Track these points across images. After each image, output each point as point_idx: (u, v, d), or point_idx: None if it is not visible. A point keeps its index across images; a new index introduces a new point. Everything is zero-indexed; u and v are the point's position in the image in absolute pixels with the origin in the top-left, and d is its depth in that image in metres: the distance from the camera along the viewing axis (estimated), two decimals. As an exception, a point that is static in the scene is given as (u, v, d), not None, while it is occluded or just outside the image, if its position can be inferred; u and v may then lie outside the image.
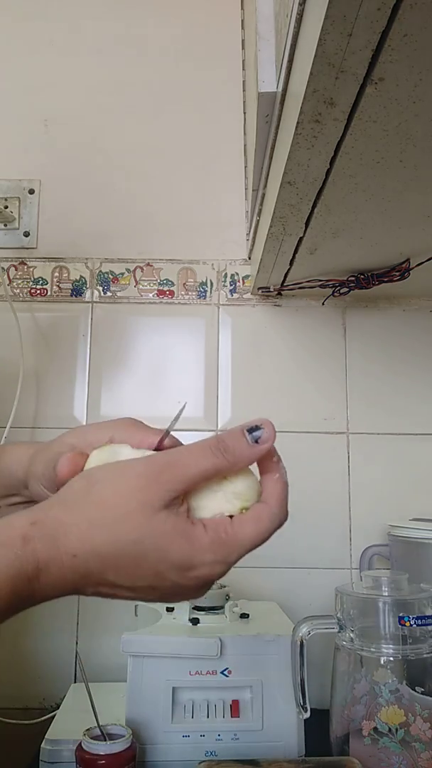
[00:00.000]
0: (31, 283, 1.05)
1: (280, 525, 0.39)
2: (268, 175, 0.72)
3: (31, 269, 1.05)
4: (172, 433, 0.44)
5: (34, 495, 0.47)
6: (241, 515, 0.38)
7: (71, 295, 1.04)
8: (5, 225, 1.06)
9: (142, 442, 0.43)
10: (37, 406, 1.01)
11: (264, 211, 0.79)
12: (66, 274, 1.05)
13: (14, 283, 1.05)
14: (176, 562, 0.36)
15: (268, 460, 0.40)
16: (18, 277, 1.05)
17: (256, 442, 0.38)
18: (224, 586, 0.82)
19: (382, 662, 0.65)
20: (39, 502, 0.44)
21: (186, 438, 1.07)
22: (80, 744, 0.63)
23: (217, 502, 0.38)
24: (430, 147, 0.53)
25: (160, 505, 0.36)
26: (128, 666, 0.70)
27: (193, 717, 0.69)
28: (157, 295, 1.04)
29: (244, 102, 1.09)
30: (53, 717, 0.76)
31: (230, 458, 0.38)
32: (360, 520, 0.98)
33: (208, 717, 0.69)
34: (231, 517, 0.38)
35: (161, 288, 1.05)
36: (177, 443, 0.44)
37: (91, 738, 0.63)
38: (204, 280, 1.05)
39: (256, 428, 0.38)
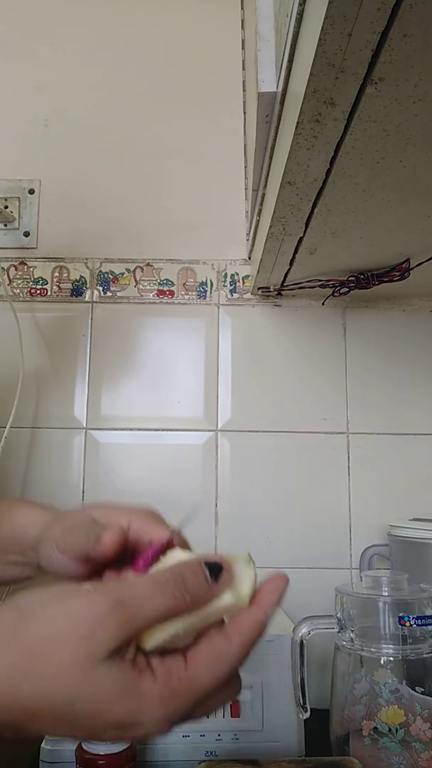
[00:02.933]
0: (31, 283, 1.05)
1: (236, 667, 0.34)
2: (268, 175, 0.72)
3: (31, 269, 1.05)
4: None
5: (42, 558, 0.47)
6: (196, 651, 0.34)
7: (71, 295, 1.04)
8: (5, 225, 1.06)
9: (156, 538, 0.43)
10: (37, 406, 1.01)
11: (264, 211, 0.79)
12: (66, 274, 1.05)
13: (14, 283, 1.05)
14: (116, 722, 0.31)
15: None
16: (18, 277, 1.05)
17: (216, 580, 0.35)
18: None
19: (382, 662, 0.65)
20: (38, 565, 0.46)
21: (187, 438, 1.07)
22: (80, 744, 0.63)
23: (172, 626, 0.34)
24: (430, 147, 0.53)
25: (103, 656, 0.31)
26: (128, 666, 0.70)
27: (193, 717, 0.69)
28: (157, 295, 1.04)
29: (244, 102, 1.09)
30: (53, 717, 0.76)
31: (188, 598, 0.34)
32: (360, 520, 0.98)
33: (208, 717, 0.69)
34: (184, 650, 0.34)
35: (161, 288, 1.05)
36: (185, 543, 0.44)
37: (91, 738, 0.63)
38: (204, 280, 1.05)
39: (218, 568, 0.35)
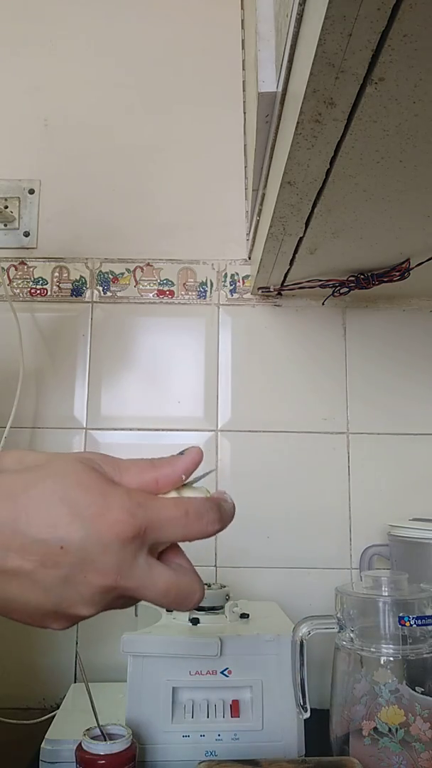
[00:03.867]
0: (31, 283, 1.05)
1: (199, 512, 0.37)
2: (268, 175, 0.72)
3: (31, 269, 1.05)
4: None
5: None
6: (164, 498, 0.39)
7: (71, 295, 1.04)
8: (5, 225, 1.06)
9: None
10: (37, 406, 1.01)
11: (264, 211, 0.79)
12: (66, 274, 1.05)
13: (14, 283, 1.05)
14: (87, 501, 0.34)
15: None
16: (18, 277, 1.05)
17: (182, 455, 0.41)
18: (224, 586, 0.82)
19: (382, 662, 0.65)
20: None
21: (187, 438, 1.07)
22: (80, 744, 0.63)
23: None
24: (430, 147, 0.53)
25: (85, 463, 0.37)
26: (128, 666, 0.70)
27: (193, 717, 0.69)
28: (157, 295, 1.04)
29: (244, 102, 1.09)
30: (53, 717, 0.76)
31: (156, 462, 0.40)
32: (360, 520, 0.98)
33: (208, 717, 0.69)
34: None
35: (161, 288, 1.05)
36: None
37: (91, 738, 0.63)
38: (204, 280, 1.05)
39: (184, 450, 0.41)
